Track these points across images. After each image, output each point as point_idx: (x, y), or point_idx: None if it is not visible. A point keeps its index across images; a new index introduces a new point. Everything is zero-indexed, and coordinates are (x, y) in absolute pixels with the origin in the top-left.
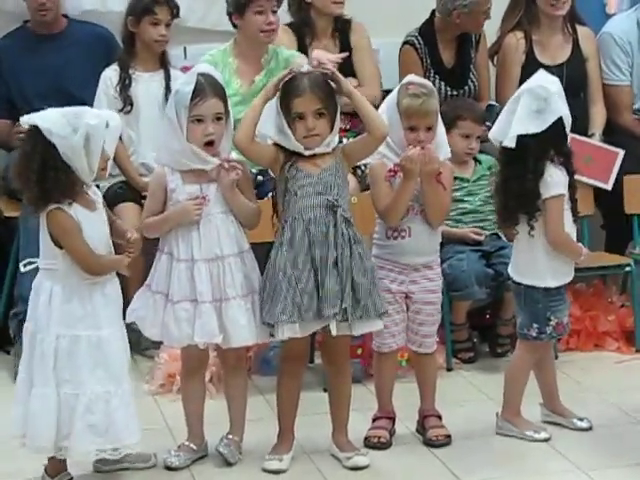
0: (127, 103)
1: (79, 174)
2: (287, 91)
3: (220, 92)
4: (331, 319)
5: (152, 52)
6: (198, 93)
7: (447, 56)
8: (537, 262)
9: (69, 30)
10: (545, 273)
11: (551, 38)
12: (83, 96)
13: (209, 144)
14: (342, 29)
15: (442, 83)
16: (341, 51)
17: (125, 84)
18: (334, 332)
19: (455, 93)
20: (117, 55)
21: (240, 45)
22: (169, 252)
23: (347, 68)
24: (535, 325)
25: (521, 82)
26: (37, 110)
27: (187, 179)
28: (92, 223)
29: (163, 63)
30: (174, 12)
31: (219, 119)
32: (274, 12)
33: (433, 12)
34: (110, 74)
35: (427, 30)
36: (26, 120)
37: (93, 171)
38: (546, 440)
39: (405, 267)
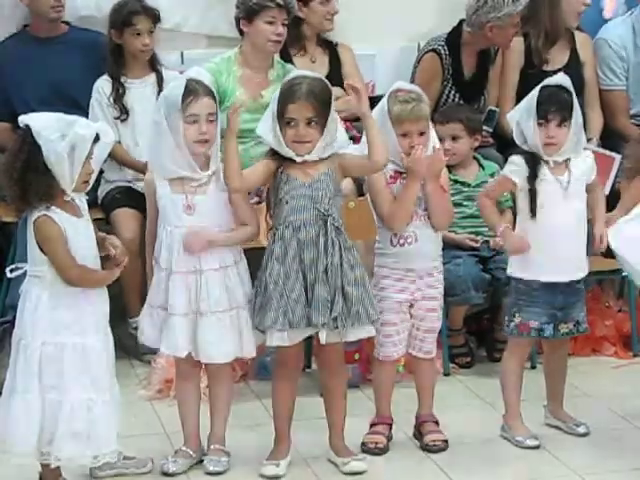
0: (123, 112)
1: (59, 180)
2: (284, 96)
3: (211, 93)
4: (320, 327)
5: (140, 60)
6: (190, 93)
7: (468, 69)
8: None
9: (69, 35)
10: (513, 259)
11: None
12: (82, 100)
13: (203, 142)
14: (329, 43)
15: (457, 95)
16: (331, 62)
17: (119, 93)
18: (323, 340)
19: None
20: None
21: (245, 54)
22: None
23: (336, 80)
24: (506, 317)
25: (520, 86)
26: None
27: (174, 187)
28: (78, 229)
29: (153, 67)
30: (154, 18)
31: (212, 121)
32: (284, 25)
33: (460, 23)
34: (102, 84)
35: (454, 41)
36: (23, 119)
37: (73, 180)
38: (535, 448)
39: (412, 273)
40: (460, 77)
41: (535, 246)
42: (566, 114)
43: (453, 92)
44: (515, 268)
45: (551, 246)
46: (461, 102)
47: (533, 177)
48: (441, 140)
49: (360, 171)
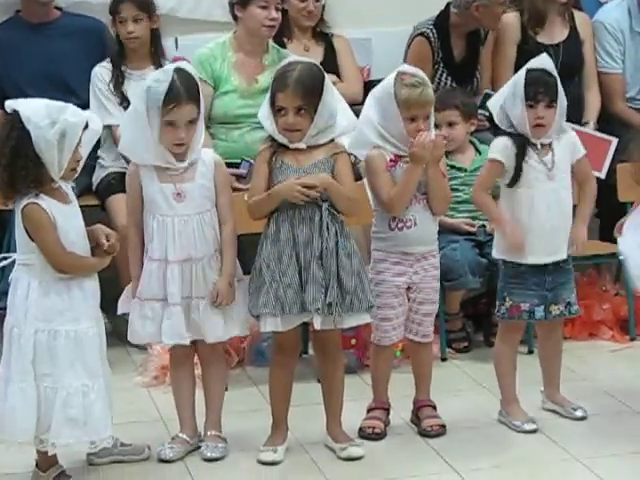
0: (122, 99)
1: (48, 168)
2: (275, 83)
3: (195, 95)
4: (314, 313)
5: (133, 50)
6: (173, 98)
7: (458, 51)
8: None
9: (61, 20)
10: (499, 242)
11: (549, 19)
12: (74, 85)
13: (179, 145)
14: (324, 35)
15: (449, 78)
16: (325, 51)
17: (118, 81)
18: (317, 326)
19: (460, 88)
20: (109, 46)
21: (240, 39)
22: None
23: (332, 68)
24: (497, 301)
25: (517, 61)
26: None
27: (162, 176)
28: (67, 216)
29: (154, 60)
30: (140, 6)
31: (192, 122)
32: (277, 9)
33: (447, 5)
34: (100, 70)
35: (442, 24)
36: (10, 104)
37: (62, 168)
38: (533, 432)
39: (410, 257)
40: (450, 60)
41: (519, 228)
42: (553, 95)
43: (445, 75)
44: (500, 251)
45: (536, 228)
46: (453, 85)
47: (521, 156)
48: (437, 126)
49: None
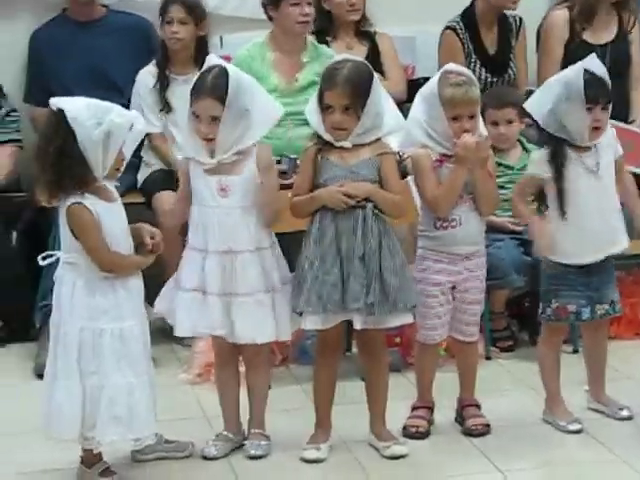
0: (164, 105)
1: (92, 167)
2: (323, 81)
3: (219, 92)
4: (355, 313)
5: (177, 53)
6: (196, 90)
7: (489, 42)
8: None
9: (108, 18)
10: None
11: (598, 17)
12: (120, 84)
13: (207, 140)
14: (367, 34)
15: (483, 69)
16: (369, 50)
17: (163, 86)
18: (358, 326)
19: (495, 80)
20: (155, 45)
21: (277, 38)
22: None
23: (375, 67)
24: (541, 304)
25: (564, 59)
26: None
27: (207, 169)
28: (112, 214)
29: (199, 65)
30: (189, 9)
31: (215, 119)
32: (309, 4)
33: (474, 1)
34: (144, 77)
35: (469, 16)
36: (55, 102)
37: (106, 168)
38: (578, 432)
39: (455, 257)
40: (482, 51)
41: (565, 230)
42: (609, 96)
43: (479, 67)
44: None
45: (580, 228)
46: (488, 77)
47: (560, 165)
48: (496, 124)
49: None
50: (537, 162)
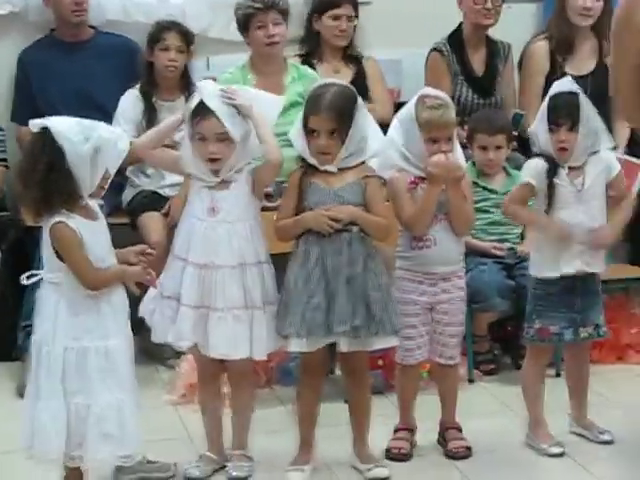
0: None
1: (79, 184)
2: (308, 105)
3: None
4: (340, 336)
5: (167, 79)
6: (199, 111)
7: (476, 64)
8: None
9: (95, 39)
10: (535, 257)
11: (578, 48)
12: (108, 105)
13: (213, 160)
14: (354, 57)
15: (470, 91)
16: (355, 74)
17: (152, 116)
18: (343, 349)
19: (482, 102)
20: (141, 66)
21: (254, 61)
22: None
23: (361, 91)
24: (525, 324)
25: (545, 92)
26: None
27: (201, 183)
28: (94, 232)
29: (184, 90)
30: (186, 38)
31: (222, 139)
32: (276, 24)
33: (460, 24)
34: (132, 100)
35: (456, 38)
36: (37, 123)
37: (93, 185)
38: (559, 455)
39: (431, 277)
40: (470, 73)
41: (550, 244)
42: (575, 118)
43: (466, 88)
44: (535, 267)
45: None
46: (475, 98)
47: (551, 177)
48: (485, 148)
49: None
50: (534, 169)
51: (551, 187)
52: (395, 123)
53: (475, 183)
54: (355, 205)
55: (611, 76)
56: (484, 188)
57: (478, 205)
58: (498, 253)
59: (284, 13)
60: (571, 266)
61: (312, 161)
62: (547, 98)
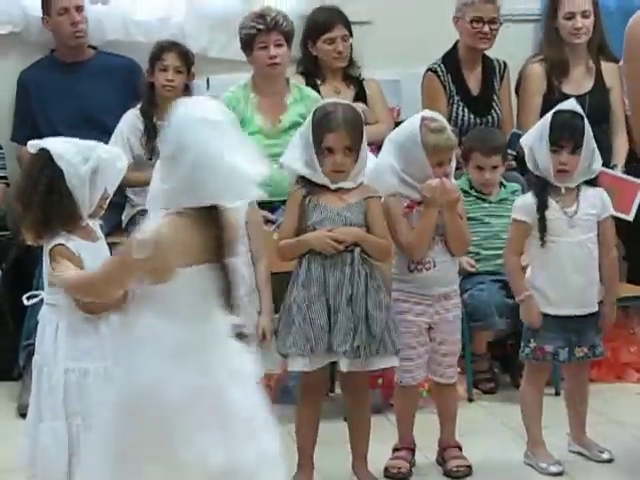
0: (152, 154)
1: (79, 205)
2: (320, 125)
3: None
4: (341, 355)
5: (167, 100)
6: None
7: (472, 84)
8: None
9: (96, 60)
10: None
11: (574, 68)
12: (109, 125)
13: None
14: (355, 78)
15: (466, 110)
16: (356, 94)
17: (151, 135)
18: (344, 368)
19: (479, 121)
20: (142, 86)
21: (256, 80)
22: None
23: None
24: (522, 342)
25: (543, 111)
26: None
27: None
28: (94, 254)
29: None
30: (185, 58)
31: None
32: (278, 45)
33: (456, 43)
34: (133, 120)
35: (451, 58)
36: (35, 144)
37: (92, 205)
38: (559, 474)
39: (429, 298)
40: (466, 92)
41: (544, 277)
42: (579, 141)
43: (462, 108)
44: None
45: (560, 278)
46: (471, 118)
47: (542, 210)
48: (481, 168)
49: (372, 246)
50: (522, 208)
51: (542, 220)
52: (389, 146)
53: (467, 192)
54: (357, 225)
55: (628, 90)
56: (477, 197)
57: (471, 215)
58: (469, 269)
59: (287, 35)
60: (564, 309)
61: (323, 181)
62: (549, 115)
